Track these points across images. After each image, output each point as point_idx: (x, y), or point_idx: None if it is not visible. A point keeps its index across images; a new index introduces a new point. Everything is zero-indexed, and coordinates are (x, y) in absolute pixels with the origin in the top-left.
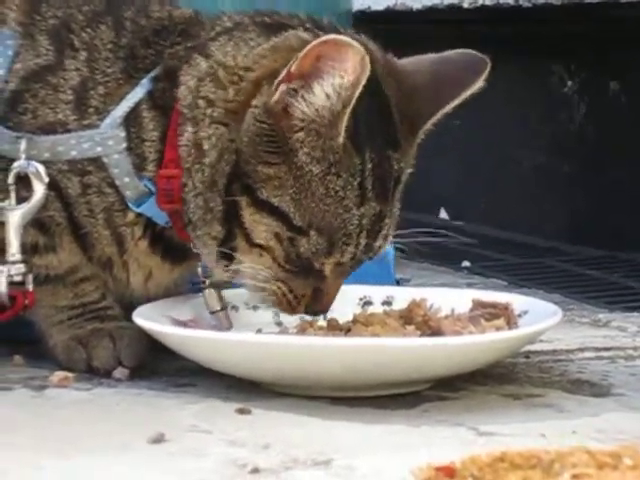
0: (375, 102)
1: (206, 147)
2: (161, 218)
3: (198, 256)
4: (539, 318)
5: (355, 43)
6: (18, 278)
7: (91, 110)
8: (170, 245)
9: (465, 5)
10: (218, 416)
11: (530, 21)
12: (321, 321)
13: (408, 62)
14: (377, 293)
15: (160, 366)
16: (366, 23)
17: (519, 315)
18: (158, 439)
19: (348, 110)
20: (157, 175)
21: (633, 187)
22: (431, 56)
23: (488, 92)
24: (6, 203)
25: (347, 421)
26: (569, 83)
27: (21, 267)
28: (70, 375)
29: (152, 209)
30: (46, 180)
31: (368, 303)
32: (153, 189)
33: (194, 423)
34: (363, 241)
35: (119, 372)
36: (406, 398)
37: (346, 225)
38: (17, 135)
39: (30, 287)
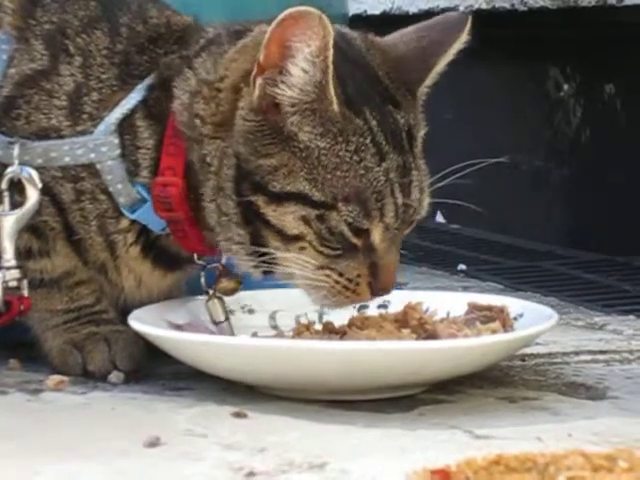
0: (362, 72)
1: (208, 160)
2: (156, 225)
3: (193, 265)
4: (535, 321)
5: (307, 8)
6: (13, 284)
7: (85, 116)
8: (163, 253)
9: (461, 9)
10: (214, 420)
11: (526, 25)
12: (317, 324)
13: (391, 37)
14: None
15: (155, 370)
16: (362, 27)
17: (515, 318)
18: (154, 443)
19: (330, 75)
20: (153, 182)
21: (629, 190)
22: (413, 27)
23: (485, 95)
24: (0, 209)
25: (343, 424)
26: (565, 87)
27: (16, 273)
28: (65, 379)
29: (146, 216)
30: (40, 185)
31: (364, 306)
32: (146, 196)
33: (190, 427)
34: (399, 195)
35: (114, 376)
36: (402, 401)
37: (373, 183)
38: (10, 140)
39: (25, 292)
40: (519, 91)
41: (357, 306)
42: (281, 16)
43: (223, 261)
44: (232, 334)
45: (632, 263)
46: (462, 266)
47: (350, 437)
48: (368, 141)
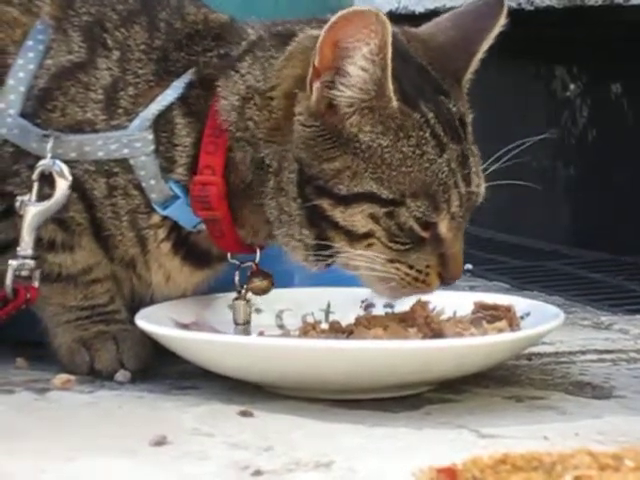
0: (410, 64)
1: (267, 162)
2: (188, 222)
3: (223, 263)
4: (541, 320)
5: (363, 7)
6: (25, 273)
7: (120, 111)
8: (194, 250)
9: None
10: (220, 419)
11: (532, 25)
12: (323, 323)
13: (427, 27)
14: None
15: (162, 369)
16: None
17: (521, 317)
18: (160, 442)
19: (388, 72)
20: (191, 181)
21: (635, 190)
22: (448, 14)
23: (491, 95)
24: (27, 197)
25: (349, 423)
26: (571, 86)
27: (30, 263)
28: (72, 378)
29: (178, 212)
30: (69, 180)
31: (370, 306)
32: (178, 192)
33: (196, 426)
34: (462, 185)
35: (121, 375)
36: (408, 400)
37: (438, 175)
38: (45, 133)
39: (36, 283)
40: (525, 90)
41: (364, 305)
42: (333, 19)
43: (256, 260)
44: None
45: (638, 263)
46: (468, 265)
47: (357, 436)
48: (427, 134)
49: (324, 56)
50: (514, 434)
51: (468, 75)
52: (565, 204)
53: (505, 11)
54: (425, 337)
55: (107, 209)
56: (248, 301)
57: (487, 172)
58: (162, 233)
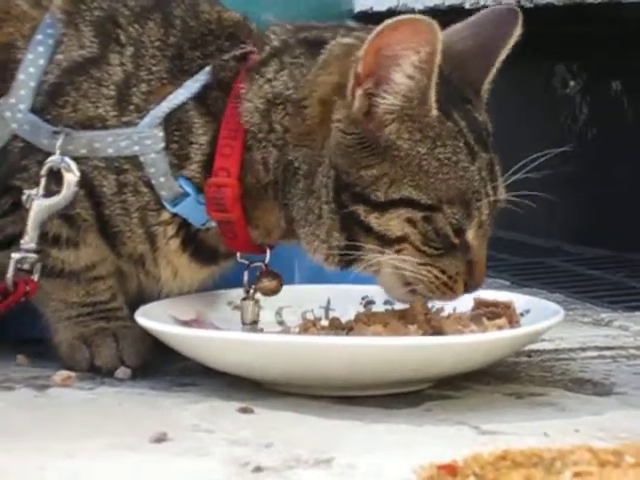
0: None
1: (296, 164)
2: (197, 219)
3: (229, 260)
4: (541, 317)
5: (412, 15)
6: (27, 266)
7: (132, 107)
8: (201, 247)
9: (466, 6)
10: (220, 415)
11: (532, 22)
12: (323, 320)
13: (444, 35)
14: (379, 292)
15: (162, 366)
16: (368, 24)
17: (521, 314)
18: (160, 438)
19: (434, 80)
20: (204, 181)
21: (635, 187)
22: (463, 23)
23: (491, 93)
24: (34, 191)
25: (349, 420)
26: (571, 84)
27: (32, 256)
28: (73, 375)
29: (188, 210)
30: (77, 176)
31: (370, 302)
32: (188, 189)
33: (196, 422)
34: (490, 191)
35: (121, 372)
36: (408, 397)
37: (471, 183)
38: (55, 130)
39: (35, 277)
40: (525, 88)
41: (364, 302)
42: (380, 27)
43: (266, 260)
44: None
45: (639, 259)
46: None
47: (357, 432)
48: (462, 143)
49: (367, 63)
50: (514, 431)
51: (486, 85)
52: (565, 201)
53: (520, 20)
54: (425, 334)
55: (116, 206)
56: (257, 301)
57: (507, 182)
58: (171, 230)
